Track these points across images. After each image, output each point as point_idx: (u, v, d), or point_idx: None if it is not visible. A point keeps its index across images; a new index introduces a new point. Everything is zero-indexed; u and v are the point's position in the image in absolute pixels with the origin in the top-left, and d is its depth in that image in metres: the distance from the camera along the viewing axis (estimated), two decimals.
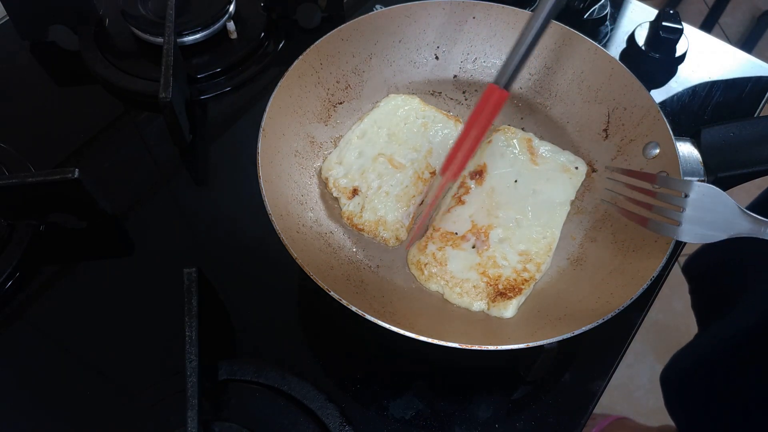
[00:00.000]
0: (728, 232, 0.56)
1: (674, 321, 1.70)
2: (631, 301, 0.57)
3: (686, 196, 0.58)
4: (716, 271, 1.01)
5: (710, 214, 0.57)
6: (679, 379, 0.97)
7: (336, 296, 0.55)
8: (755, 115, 0.87)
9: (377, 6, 0.86)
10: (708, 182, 0.66)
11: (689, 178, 0.63)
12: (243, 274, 0.71)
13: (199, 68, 0.87)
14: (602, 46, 0.78)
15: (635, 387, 1.63)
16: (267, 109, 0.68)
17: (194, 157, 0.81)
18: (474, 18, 0.81)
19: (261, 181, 0.63)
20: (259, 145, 0.65)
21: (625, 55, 0.93)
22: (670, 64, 0.92)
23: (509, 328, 0.63)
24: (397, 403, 0.62)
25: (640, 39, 0.91)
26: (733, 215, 0.56)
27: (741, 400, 0.84)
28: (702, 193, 0.57)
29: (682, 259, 1.15)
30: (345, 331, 0.67)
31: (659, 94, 0.89)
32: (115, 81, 0.85)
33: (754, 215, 0.55)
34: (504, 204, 0.71)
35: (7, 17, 0.89)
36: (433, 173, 0.73)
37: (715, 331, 0.94)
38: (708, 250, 1.03)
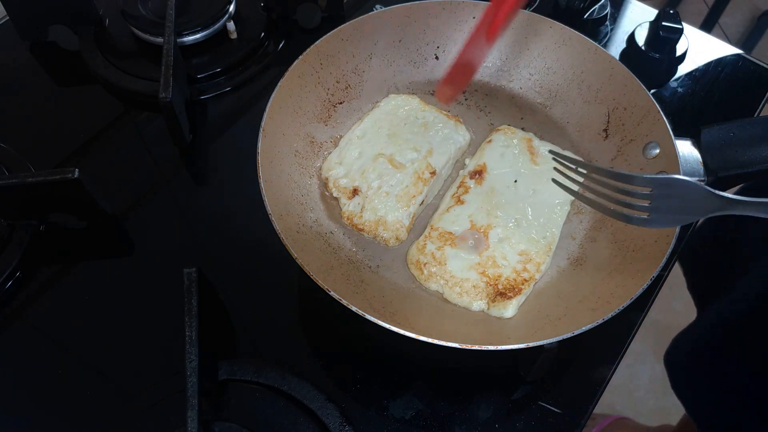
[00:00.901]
0: (700, 214, 0.55)
1: (674, 321, 1.69)
2: (631, 301, 0.57)
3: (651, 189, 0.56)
4: (708, 250, 1.00)
5: (678, 200, 0.56)
6: (683, 360, 0.97)
7: (336, 296, 0.55)
8: (755, 115, 0.87)
9: (377, 6, 0.86)
10: (708, 182, 0.66)
11: (652, 175, 0.59)
12: (243, 274, 0.71)
13: (199, 68, 0.87)
14: (602, 46, 0.78)
15: (635, 387, 1.63)
16: (267, 109, 0.68)
17: (194, 157, 0.81)
18: (474, 18, 0.80)
19: (261, 181, 0.63)
20: (259, 145, 0.65)
21: (625, 55, 0.93)
22: (670, 64, 0.92)
23: (509, 328, 0.63)
24: (397, 403, 0.62)
25: (640, 39, 0.91)
26: (700, 198, 0.55)
27: (745, 376, 0.84)
28: (665, 185, 0.56)
29: None
30: (345, 331, 0.67)
31: (659, 94, 0.89)
32: (115, 81, 0.85)
33: (722, 193, 0.54)
34: (504, 204, 0.71)
35: (7, 17, 0.89)
36: (433, 173, 0.73)
37: (714, 310, 0.94)
38: (698, 229, 1.02)
